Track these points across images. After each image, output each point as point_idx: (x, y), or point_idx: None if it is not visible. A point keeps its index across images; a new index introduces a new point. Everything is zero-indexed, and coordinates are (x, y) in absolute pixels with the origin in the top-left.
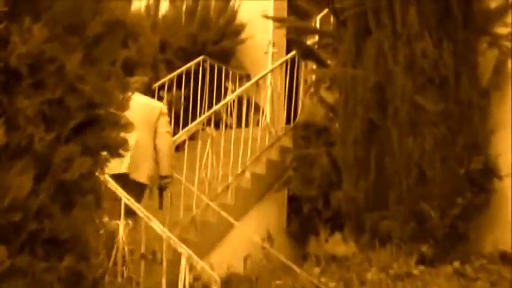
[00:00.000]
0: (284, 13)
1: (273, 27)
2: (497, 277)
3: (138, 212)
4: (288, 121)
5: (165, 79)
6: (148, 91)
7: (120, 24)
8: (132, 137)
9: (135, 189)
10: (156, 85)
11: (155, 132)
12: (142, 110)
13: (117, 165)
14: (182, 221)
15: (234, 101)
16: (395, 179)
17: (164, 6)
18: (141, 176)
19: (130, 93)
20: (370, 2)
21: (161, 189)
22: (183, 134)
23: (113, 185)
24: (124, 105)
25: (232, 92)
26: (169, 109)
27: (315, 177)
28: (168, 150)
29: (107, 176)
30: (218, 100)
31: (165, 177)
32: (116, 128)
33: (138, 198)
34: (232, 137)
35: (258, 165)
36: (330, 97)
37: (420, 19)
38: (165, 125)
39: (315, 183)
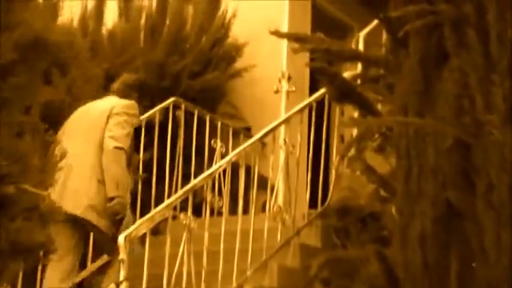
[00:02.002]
0: (307, 28)
1: (287, 49)
2: None
3: None
4: (313, 204)
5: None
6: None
7: (41, 45)
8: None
9: (77, 230)
10: None
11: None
12: (87, 117)
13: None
14: None
15: (224, 170)
16: None
17: (111, 17)
18: (76, 206)
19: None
20: (447, 8)
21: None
22: (142, 225)
23: None
24: (47, 179)
25: (222, 155)
26: None
27: None
28: (109, 162)
29: None
30: (200, 169)
31: (111, 198)
32: (34, 215)
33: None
34: (223, 229)
35: (266, 276)
36: (381, 164)
37: None
38: (110, 128)
39: None
